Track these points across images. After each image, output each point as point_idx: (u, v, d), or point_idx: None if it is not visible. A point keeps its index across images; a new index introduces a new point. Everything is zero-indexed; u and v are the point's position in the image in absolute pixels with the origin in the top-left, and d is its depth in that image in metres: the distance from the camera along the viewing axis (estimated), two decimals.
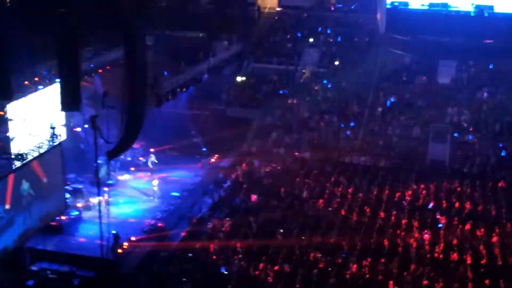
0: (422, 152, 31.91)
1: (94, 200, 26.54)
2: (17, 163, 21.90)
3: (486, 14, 38.70)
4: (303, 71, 39.15)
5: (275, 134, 33.78)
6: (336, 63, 38.78)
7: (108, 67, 31.52)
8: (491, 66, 37.59)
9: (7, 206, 21.51)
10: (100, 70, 30.98)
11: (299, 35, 41.59)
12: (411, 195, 27.69)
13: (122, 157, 29.36)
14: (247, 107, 36.77)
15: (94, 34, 32.73)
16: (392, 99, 35.92)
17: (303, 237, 23.94)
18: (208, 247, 23.19)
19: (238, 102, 37.42)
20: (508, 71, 36.29)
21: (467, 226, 24.52)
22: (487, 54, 37.05)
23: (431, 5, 39.57)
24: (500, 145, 31.89)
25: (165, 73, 32.99)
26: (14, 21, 21.68)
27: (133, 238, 24.49)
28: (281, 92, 37.58)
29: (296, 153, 32.45)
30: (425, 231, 24.27)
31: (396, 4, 40.01)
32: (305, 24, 42.62)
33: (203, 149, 34.29)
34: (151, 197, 28.84)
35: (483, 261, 22.13)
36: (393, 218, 25.51)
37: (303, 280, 21.06)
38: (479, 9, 38.84)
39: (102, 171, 26.81)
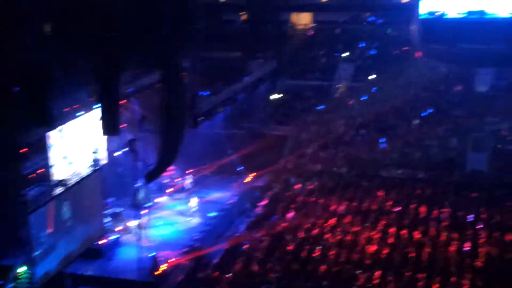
0: (461, 163, 31.42)
1: (133, 223, 27.02)
2: (58, 189, 22.58)
3: None
4: (338, 86, 39.11)
5: (311, 150, 33.77)
6: (371, 76, 38.59)
7: (146, 91, 32.04)
8: None
9: (49, 232, 22.14)
10: (137, 94, 31.51)
11: (333, 50, 41.55)
12: (450, 206, 27.28)
13: (159, 179, 29.78)
14: (282, 124, 36.89)
15: (131, 58, 33.50)
16: (429, 110, 35.53)
17: (340, 253, 23.84)
18: (246, 267, 23.33)
19: (274, 120, 37.59)
20: None
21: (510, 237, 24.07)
22: None
23: (469, 13, 38.93)
24: None
25: (201, 93, 33.34)
26: (53, 48, 22.40)
27: (171, 260, 24.83)
28: (316, 108, 37.59)
29: (333, 169, 32.37)
30: (466, 243, 23.88)
31: (432, 13, 39.61)
32: (339, 38, 42.60)
33: (240, 168, 34.50)
34: (189, 218, 29.15)
35: None
36: (432, 231, 25.20)
37: None
38: None
39: (141, 194, 27.26)
